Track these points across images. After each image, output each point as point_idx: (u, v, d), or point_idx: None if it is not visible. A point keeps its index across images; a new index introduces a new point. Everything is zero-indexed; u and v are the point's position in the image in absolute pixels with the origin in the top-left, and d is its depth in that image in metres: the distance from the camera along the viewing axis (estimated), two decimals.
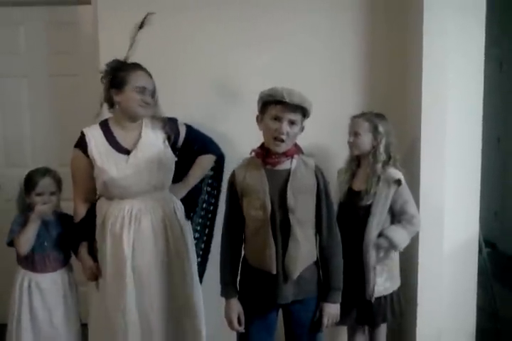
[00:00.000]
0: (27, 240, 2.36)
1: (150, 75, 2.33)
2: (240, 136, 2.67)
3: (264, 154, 1.98)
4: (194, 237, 2.55)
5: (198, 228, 2.60)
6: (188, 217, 2.49)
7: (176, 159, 2.41)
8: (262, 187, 1.94)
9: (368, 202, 2.36)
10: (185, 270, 2.38)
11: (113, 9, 2.83)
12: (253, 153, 2.03)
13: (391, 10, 2.79)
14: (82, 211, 2.38)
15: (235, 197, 2.03)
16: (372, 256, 2.35)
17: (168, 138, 2.39)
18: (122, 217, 2.28)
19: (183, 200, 2.47)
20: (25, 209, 2.44)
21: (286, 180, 1.95)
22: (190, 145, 2.48)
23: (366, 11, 2.81)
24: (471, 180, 2.69)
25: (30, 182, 2.41)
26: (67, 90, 3.25)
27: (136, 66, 2.32)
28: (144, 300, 2.28)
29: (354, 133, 2.41)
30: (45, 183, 2.40)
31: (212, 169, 2.61)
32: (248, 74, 2.80)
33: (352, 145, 2.43)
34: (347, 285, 2.21)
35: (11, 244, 2.41)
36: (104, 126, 2.36)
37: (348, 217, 2.39)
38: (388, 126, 2.43)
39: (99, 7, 2.85)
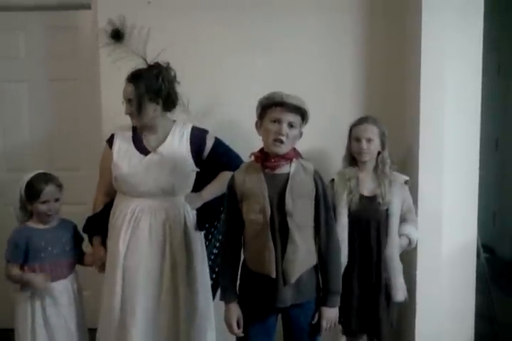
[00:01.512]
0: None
1: (134, 85, 2.30)
2: (238, 139, 2.64)
3: (263, 158, 1.99)
4: (213, 252, 2.54)
5: (217, 244, 2.54)
6: (200, 228, 2.45)
7: (198, 170, 2.42)
8: (262, 191, 1.95)
9: (387, 206, 2.38)
10: (183, 280, 2.34)
11: (113, 14, 2.83)
12: (252, 157, 2.04)
13: (389, 13, 2.80)
14: (99, 204, 2.46)
15: (235, 201, 2.03)
16: (398, 256, 2.39)
17: (192, 148, 2.39)
18: (125, 214, 2.32)
19: (200, 211, 2.45)
20: (26, 219, 2.43)
21: (285, 184, 1.96)
22: (216, 158, 2.45)
23: (364, 14, 2.82)
24: (469, 184, 2.69)
25: (33, 191, 2.36)
26: (66, 94, 3.25)
27: (127, 78, 2.34)
28: (126, 300, 2.29)
29: (367, 140, 2.40)
30: (49, 191, 2.37)
31: None
32: (245, 78, 2.81)
33: (366, 151, 2.40)
34: (374, 290, 2.31)
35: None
36: (136, 128, 2.43)
37: (365, 222, 2.38)
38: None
39: (99, 12, 2.87)
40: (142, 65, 2.37)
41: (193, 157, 2.39)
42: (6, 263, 2.37)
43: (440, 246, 2.59)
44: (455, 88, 2.59)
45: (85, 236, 2.51)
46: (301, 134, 2.03)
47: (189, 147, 2.39)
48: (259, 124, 2.01)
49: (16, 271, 2.35)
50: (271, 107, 1.95)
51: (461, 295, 2.72)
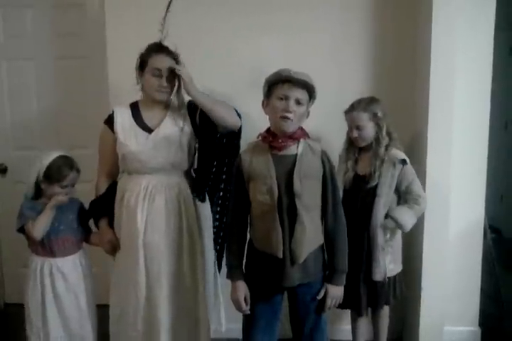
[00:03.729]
0: (43, 227, 2.35)
1: (174, 58, 2.31)
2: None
3: (271, 138, 1.98)
4: (214, 226, 2.53)
5: (217, 216, 2.54)
6: (200, 198, 2.47)
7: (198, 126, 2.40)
8: (269, 172, 1.95)
9: (374, 184, 2.38)
10: (198, 250, 2.39)
11: None
12: (260, 137, 2.03)
13: None
14: (103, 186, 2.45)
15: (242, 181, 2.03)
16: (380, 237, 2.37)
17: (191, 117, 2.39)
18: (138, 192, 2.32)
19: (196, 179, 2.48)
20: (38, 196, 2.42)
21: (293, 165, 1.95)
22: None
23: None
24: (478, 165, 2.70)
25: (56, 175, 2.36)
26: (74, 72, 3.24)
27: (159, 48, 2.31)
28: (152, 276, 2.31)
29: (356, 127, 2.40)
30: (73, 177, 2.39)
31: (231, 155, 2.45)
32: (251, 57, 2.79)
33: (357, 138, 2.42)
34: (354, 267, 2.25)
35: (20, 229, 2.38)
36: (134, 106, 2.42)
37: (354, 201, 2.41)
38: (383, 107, 2.43)
39: None
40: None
41: (191, 123, 2.39)
42: (25, 227, 2.35)
43: (447, 226, 2.60)
44: (465, 68, 2.58)
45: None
46: (308, 114, 2.01)
47: (188, 119, 2.39)
48: (266, 103, 2.00)
49: (32, 225, 2.34)
50: (278, 84, 1.93)
51: (467, 275, 2.75)
